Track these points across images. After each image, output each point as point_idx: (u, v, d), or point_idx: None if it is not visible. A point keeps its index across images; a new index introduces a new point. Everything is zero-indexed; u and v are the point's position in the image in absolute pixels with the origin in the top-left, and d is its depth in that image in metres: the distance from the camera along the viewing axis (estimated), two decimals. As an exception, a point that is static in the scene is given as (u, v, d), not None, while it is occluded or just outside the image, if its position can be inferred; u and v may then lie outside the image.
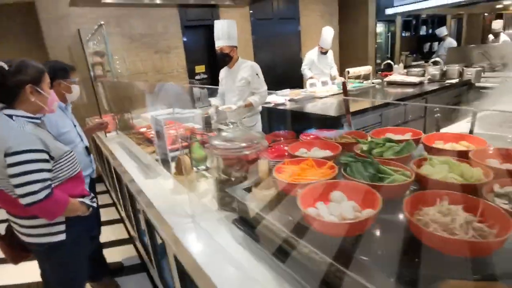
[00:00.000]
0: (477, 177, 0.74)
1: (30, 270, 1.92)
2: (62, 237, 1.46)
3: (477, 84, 4.24)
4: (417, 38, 8.44)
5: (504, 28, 6.48)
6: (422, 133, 1.11)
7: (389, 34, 7.59)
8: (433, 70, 4.37)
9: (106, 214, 3.24)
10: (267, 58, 5.54)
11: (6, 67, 1.24)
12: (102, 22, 2.68)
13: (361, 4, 6.49)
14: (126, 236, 2.92)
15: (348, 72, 4.11)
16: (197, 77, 4.98)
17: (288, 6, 5.77)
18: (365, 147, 1.00)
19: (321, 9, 6.22)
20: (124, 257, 2.60)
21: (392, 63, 5.09)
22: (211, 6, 4.54)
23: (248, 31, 5.34)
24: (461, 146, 1.00)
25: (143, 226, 2.00)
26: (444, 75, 4.33)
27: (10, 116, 1.30)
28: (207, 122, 2.54)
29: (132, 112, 2.89)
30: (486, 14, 8.42)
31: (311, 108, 3.48)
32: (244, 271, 0.92)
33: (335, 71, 4.55)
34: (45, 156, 1.31)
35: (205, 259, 1.01)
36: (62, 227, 1.46)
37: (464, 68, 4.33)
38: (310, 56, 4.43)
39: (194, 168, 1.59)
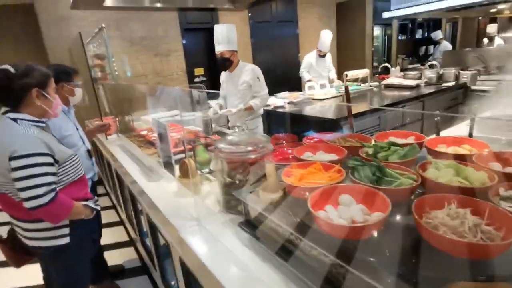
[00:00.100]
0: (482, 181, 0.76)
1: (32, 273, 1.92)
2: (67, 240, 1.46)
3: (473, 87, 4.30)
4: (413, 41, 8.54)
5: (499, 31, 6.58)
6: (425, 137, 1.13)
7: (386, 37, 7.67)
8: (429, 73, 4.42)
9: (106, 217, 3.22)
10: (265, 60, 5.57)
11: (12, 70, 1.24)
12: (103, 25, 2.69)
13: (358, 8, 6.56)
14: (126, 238, 2.91)
15: (346, 75, 4.14)
16: (196, 79, 4.99)
17: (287, 9, 5.81)
18: (370, 151, 1.02)
19: (319, 12, 6.27)
20: (125, 260, 2.60)
21: (389, 66, 5.15)
22: (211, 10, 4.56)
23: (247, 34, 5.37)
24: (464, 150, 1.02)
25: (146, 228, 2.00)
26: (440, 78, 4.39)
27: (15, 120, 1.31)
28: (207, 125, 2.55)
29: (132, 115, 2.89)
30: (480, 18, 8.55)
31: (310, 111, 3.50)
32: (250, 272, 0.93)
33: (333, 74, 4.58)
34: (50, 159, 1.32)
35: (212, 261, 1.02)
36: (66, 230, 1.46)
37: (460, 71, 4.39)
38: (308, 59, 4.46)
39: (198, 171, 1.60)
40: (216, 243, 1.10)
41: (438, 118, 1.66)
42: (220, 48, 2.53)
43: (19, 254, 1.60)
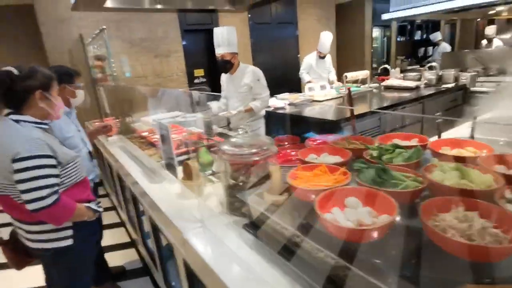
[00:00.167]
0: (488, 183, 0.77)
1: (34, 275, 1.91)
2: (70, 242, 1.46)
3: (472, 89, 4.32)
4: (412, 42, 8.58)
5: (497, 33, 6.61)
6: (428, 139, 1.14)
7: (385, 38, 7.70)
8: (429, 75, 4.44)
9: (106, 218, 3.22)
10: (265, 61, 5.58)
11: (16, 72, 1.24)
12: (104, 27, 2.69)
13: (357, 9, 6.59)
14: (127, 239, 2.90)
15: (346, 76, 4.16)
16: (196, 80, 4.99)
17: (286, 10, 5.83)
18: (374, 153, 1.02)
19: (318, 13, 6.29)
20: (126, 261, 2.59)
21: (388, 67, 5.16)
22: (211, 11, 4.56)
23: (247, 35, 5.38)
24: (468, 152, 1.03)
25: (148, 229, 2.00)
26: (440, 79, 4.41)
27: (17, 121, 1.30)
28: (209, 127, 2.55)
29: (133, 116, 2.89)
30: (478, 19, 8.59)
31: (310, 112, 3.51)
32: (255, 274, 0.93)
33: (333, 76, 4.60)
34: (52, 161, 1.31)
35: (216, 262, 1.02)
36: (70, 232, 1.46)
37: (460, 72, 4.41)
38: (308, 61, 4.47)
39: (201, 173, 1.60)
40: (221, 245, 1.10)
41: (440, 120, 1.66)
42: (220, 50, 2.53)
43: (21, 256, 1.60)
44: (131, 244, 2.83)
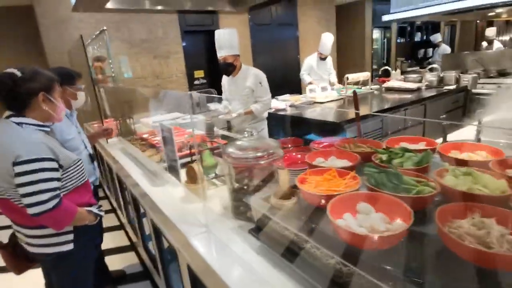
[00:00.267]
0: (502, 189, 0.75)
1: (33, 279, 1.88)
2: (70, 246, 1.43)
3: (473, 91, 4.32)
4: (412, 44, 8.59)
5: (497, 35, 6.63)
6: (437, 143, 1.12)
7: (385, 40, 7.71)
8: (430, 77, 4.44)
9: (105, 221, 3.16)
10: (265, 63, 5.57)
11: (18, 74, 1.22)
12: (104, 28, 2.67)
13: (357, 11, 6.59)
14: (127, 243, 2.87)
15: (348, 78, 4.15)
16: (196, 82, 4.98)
17: (286, 12, 5.83)
18: (384, 157, 1.00)
19: (319, 15, 6.29)
20: (126, 265, 2.56)
21: (389, 69, 5.16)
22: (211, 12, 4.55)
23: (247, 36, 5.37)
24: (477, 156, 1.01)
25: (149, 231, 1.97)
26: (441, 81, 4.40)
27: (19, 124, 1.28)
28: (210, 129, 2.53)
29: (133, 118, 2.86)
30: (478, 21, 8.62)
31: (312, 114, 3.50)
32: (262, 280, 0.92)
33: (334, 77, 4.59)
34: (54, 164, 1.29)
35: (222, 267, 1.00)
36: (71, 237, 1.43)
37: (461, 74, 4.41)
38: (309, 62, 4.46)
39: (204, 176, 1.58)
40: (226, 250, 1.08)
41: (445, 122, 1.65)
42: (222, 53, 2.50)
43: (20, 260, 1.57)
44: (131, 247, 2.81)
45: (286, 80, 5.59)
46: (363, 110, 3.37)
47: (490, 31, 6.10)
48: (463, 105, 4.36)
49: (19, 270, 1.61)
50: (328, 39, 4.24)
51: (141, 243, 2.37)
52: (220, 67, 2.60)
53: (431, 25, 8.68)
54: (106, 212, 3.47)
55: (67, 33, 3.71)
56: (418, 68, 7.03)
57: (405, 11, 5.10)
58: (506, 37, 8.64)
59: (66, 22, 3.71)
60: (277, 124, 3.60)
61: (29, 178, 1.22)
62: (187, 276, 1.32)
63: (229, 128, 2.97)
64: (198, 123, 2.84)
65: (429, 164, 0.96)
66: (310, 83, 4.33)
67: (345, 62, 6.74)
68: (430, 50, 7.77)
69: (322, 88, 4.17)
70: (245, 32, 5.33)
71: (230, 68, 2.56)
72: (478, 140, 1.52)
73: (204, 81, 5.09)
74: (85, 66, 2.45)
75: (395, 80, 4.67)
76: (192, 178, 1.46)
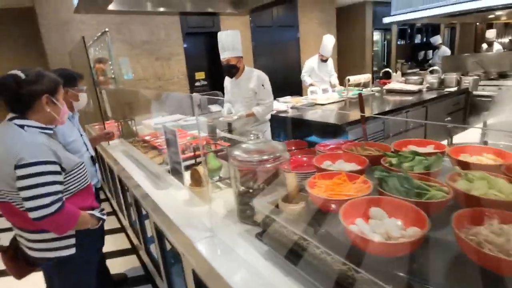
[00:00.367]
0: (518, 194, 0.74)
1: (34, 284, 1.85)
2: (72, 251, 1.41)
3: (474, 93, 4.32)
4: (412, 46, 8.61)
5: (496, 37, 6.64)
6: (446, 146, 1.11)
7: (385, 42, 7.72)
8: (431, 79, 4.44)
9: (106, 223, 3.15)
10: (266, 64, 5.57)
11: (22, 76, 1.20)
12: (106, 29, 2.65)
13: (358, 12, 6.60)
14: (128, 246, 2.85)
15: (349, 80, 4.14)
16: (197, 84, 4.96)
17: (287, 14, 5.83)
18: (394, 161, 0.99)
19: (319, 17, 6.30)
20: (127, 268, 2.54)
21: (390, 71, 5.16)
22: (212, 14, 4.55)
23: (248, 38, 5.36)
24: (488, 159, 1.00)
25: (151, 234, 1.95)
26: (442, 83, 4.40)
27: (22, 126, 1.26)
28: (213, 131, 2.51)
29: (135, 120, 2.85)
30: (478, 23, 8.65)
31: (313, 115, 3.49)
32: (271, 285, 0.90)
33: (335, 79, 4.58)
34: (57, 168, 1.27)
35: (229, 273, 0.98)
36: (72, 241, 1.41)
37: (462, 76, 4.41)
38: (310, 64, 4.45)
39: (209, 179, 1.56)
40: (232, 254, 1.06)
41: (451, 125, 1.64)
42: (226, 55, 2.47)
43: (21, 264, 1.54)
44: (132, 250, 2.78)
45: (286, 82, 5.58)
46: (366, 112, 3.36)
47: (490, 33, 6.12)
48: (464, 107, 4.36)
49: (19, 275, 1.59)
50: (329, 41, 4.23)
51: (142, 246, 2.34)
52: (223, 69, 2.58)
53: (431, 27, 8.70)
54: (107, 214, 3.45)
55: (69, 35, 3.70)
56: (418, 70, 7.04)
57: (405, 13, 5.11)
58: (505, 39, 8.67)
59: (68, 24, 3.70)
60: (279, 126, 3.59)
61: (31, 182, 1.20)
62: (191, 281, 1.30)
63: (230, 130, 2.95)
64: (201, 125, 2.83)
65: (440, 168, 0.94)
66: (311, 84, 4.32)
67: (345, 64, 6.74)
68: (430, 52, 7.78)
69: (323, 90, 4.16)
70: (246, 34, 5.33)
71: (233, 70, 2.54)
72: (485, 143, 1.51)
73: (205, 82, 5.08)
74: (86, 68, 2.43)
75: (396, 82, 4.67)
76: (197, 181, 1.44)
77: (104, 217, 1.56)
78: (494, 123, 1.86)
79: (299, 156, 1.42)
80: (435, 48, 6.85)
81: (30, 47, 3.96)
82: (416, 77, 4.67)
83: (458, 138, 1.95)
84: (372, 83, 4.64)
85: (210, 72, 5.07)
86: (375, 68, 7.21)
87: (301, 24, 6.03)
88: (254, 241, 1.09)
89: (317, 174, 0.95)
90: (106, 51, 2.88)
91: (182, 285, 1.51)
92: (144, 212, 2.07)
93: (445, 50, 6.72)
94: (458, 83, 4.34)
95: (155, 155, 2.14)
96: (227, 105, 2.75)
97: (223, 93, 2.96)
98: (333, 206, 0.82)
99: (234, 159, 1.16)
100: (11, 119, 1.26)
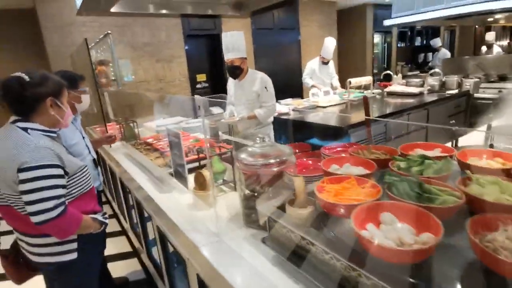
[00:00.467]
0: (531, 199, 0.73)
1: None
2: (74, 255, 1.39)
3: (475, 95, 4.32)
4: (412, 48, 8.62)
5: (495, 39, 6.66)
6: (454, 150, 1.10)
7: (386, 44, 7.74)
8: (432, 81, 4.44)
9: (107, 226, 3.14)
10: (267, 67, 5.56)
11: (26, 78, 1.19)
12: (109, 32, 2.65)
13: (359, 15, 6.62)
14: (129, 249, 2.83)
15: (350, 82, 4.14)
16: (199, 86, 4.96)
17: (288, 16, 5.84)
18: (402, 164, 0.98)
19: (320, 19, 6.31)
20: (129, 272, 2.52)
21: (391, 73, 5.16)
22: (214, 17, 4.55)
23: (249, 40, 5.37)
24: (497, 163, 0.99)
25: (153, 238, 1.93)
26: (443, 85, 4.40)
27: (25, 129, 1.25)
28: (216, 133, 2.49)
29: (136, 122, 2.84)
30: (477, 26, 8.68)
31: (315, 118, 3.48)
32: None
33: (336, 82, 4.58)
34: (60, 171, 1.26)
35: (235, 278, 0.97)
36: (74, 245, 1.39)
37: (463, 79, 4.41)
38: (311, 66, 4.45)
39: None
40: (239, 260, 1.05)
41: (456, 128, 1.63)
42: (229, 56, 2.46)
43: (22, 269, 1.53)
44: (134, 253, 2.76)
45: (287, 84, 5.58)
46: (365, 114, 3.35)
47: (490, 36, 6.14)
48: (465, 109, 4.36)
49: (20, 280, 1.57)
50: (330, 44, 4.24)
51: (144, 249, 2.32)
52: (227, 70, 2.56)
53: (431, 30, 8.72)
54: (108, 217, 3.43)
55: (70, 37, 3.70)
56: (418, 72, 7.05)
57: (406, 16, 5.13)
58: (503, 42, 8.71)
59: (70, 26, 3.70)
60: (280, 128, 3.58)
61: (34, 185, 1.18)
62: (196, 286, 1.28)
63: (231, 132, 2.94)
64: (202, 128, 2.81)
65: (450, 173, 0.93)
66: (313, 86, 4.31)
67: (346, 66, 6.75)
68: (430, 54, 7.80)
69: (324, 92, 4.16)
70: (247, 36, 5.34)
71: (237, 71, 2.52)
72: (491, 146, 1.50)
73: (206, 85, 5.07)
74: (88, 70, 2.43)
75: (397, 85, 4.67)
76: (201, 184, 1.43)
77: (107, 221, 1.54)
78: (498, 125, 1.86)
79: (305, 159, 1.41)
80: (435, 50, 6.87)
81: (31, 49, 3.95)
82: (417, 80, 4.67)
83: (461, 141, 1.94)
84: (373, 85, 4.64)
85: (211, 74, 5.07)
86: (375, 71, 7.22)
87: (302, 27, 6.04)
88: (261, 246, 1.07)
89: (326, 178, 0.94)
90: (108, 53, 2.87)
91: (186, 289, 1.50)
92: (146, 215, 2.06)
93: (445, 53, 6.74)
94: (459, 85, 4.35)
95: (158, 158, 2.12)
96: (230, 107, 2.74)
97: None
98: (342, 210, 0.81)
99: (240, 163, 1.15)
100: (14, 122, 1.25)
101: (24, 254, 1.44)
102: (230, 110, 2.71)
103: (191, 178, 1.57)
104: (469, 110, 4.29)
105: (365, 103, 1.35)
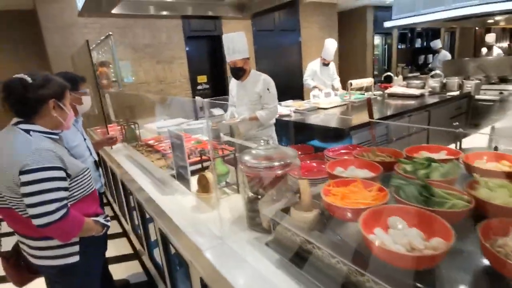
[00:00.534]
0: (541, 203, 0.72)
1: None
2: (76, 258, 1.38)
3: (476, 97, 4.32)
4: (412, 50, 8.63)
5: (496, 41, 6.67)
6: (460, 152, 1.09)
7: (386, 46, 7.74)
8: (433, 83, 4.44)
9: (107, 228, 3.12)
10: (268, 68, 5.56)
11: (29, 79, 1.18)
12: (110, 33, 2.64)
13: (359, 17, 6.62)
14: (130, 251, 2.81)
15: (351, 84, 4.14)
16: (199, 87, 4.95)
17: (289, 18, 5.85)
18: (408, 167, 0.97)
19: (321, 21, 6.31)
20: (130, 274, 2.50)
21: (392, 75, 5.16)
22: (215, 18, 4.55)
23: (250, 41, 5.37)
24: (504, 166, 0.98)
25: (157, 242, 1.92)
26: (444, 87, 4.40)
27: (27, 131, 1.24)
28: (217, 135, 2.48)
29: (138, 123, 2.83)
30: (477, 28, 8.70)
31: (317, 120, 3.47)
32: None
33: (337, 83, 4.57)
34: (62, 174, 1.25)
35: (239, 282, 0.96)
36: (76, 248, 1.38)
37: (464, 80, 4.41)
38: (312, 67, 4.44)
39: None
40: (243, 263, 1.04)
41: (461, 130, 1.62)
42: (232, 58, 2.43)
43: (23, 271, 1.51)
44: (135, 255, 2.75)
45: (288, 85, 5.57)
46: (367, 117, 3.34)
47: (490, 37, 6.14)
48: (466, 111, 4.36)
49: (20, 283, 1.56)
50: (331, 45, 4.23)
51: (146, 251, 2.31)
52: (231, 71, 2.55)
53: (431, 32, 8.74)
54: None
55: (71, 38, 3.69)
56: (419, 74, 7.05)
57: (406, 17, 5.14)
58: (503, 44, 8.73)
59: (70, 27, 3.69)
60: (281, 130, 3.57)
61: (36, 188, 1.17)
62: (199, 289, 1.27)
63: (231, 133, 2.93)
64: (205, 129, 2.80)
65: (457, 176, 0.92)
66: (315, 87, 4.30)
67: (346, 68, 6.75)
68: (430, 56, 7.81)
69: (325, 93, 4.15)
70: (248, 38, 5.32)
71: (240, 73, 2.51)
72: (495, 148, 1.49)
73: (207, 86, 5.07)
74: (90, 71, 2.42)
75: (398, 86, 4.67)
76: (204, 187, 1.42)
77: (109, 223, 1.53)
78: (501, 127, 1.85)
79: (308, 162, 1.40)
80: (435, 52, 6.87)
81: (31, 50, 3.94)
82: (418, 81, 4.66)
83: (464, 143, 1.93)
84: (373, 87, 4.63)
85: (212, 75, 5.06)
86: (375, 72, 7.22)
87: (303, 28, 6.05)
88: (265, 249, 1.06)
89: (332, 181, 0.93)
90: (109, 54, 2.87)
91: (188, 292, 1.48)
92: (147, 217, 2.04)
93: (445, 54, 6.74)
94: (460, 87, 4.34)
95: (159, 159, 2.11)
96: (231, 109, 2.73)
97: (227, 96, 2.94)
98: (349, 214, 0.80)
99: (244, 165, 1.14)
100: (16, 124, 1.24)
101: (25, 256, 1.43)
102: (230, 112, 2.70)
103: (193, 180, 1.56)
104: (471, 112, 4.29)
105: (368, 105, 1.34)
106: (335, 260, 0.82)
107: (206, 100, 1.17)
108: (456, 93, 4.22)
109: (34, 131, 1.24)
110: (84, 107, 1.95)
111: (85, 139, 1.97)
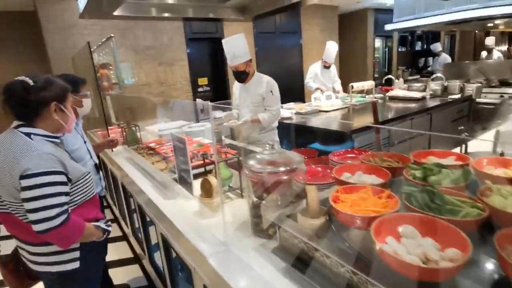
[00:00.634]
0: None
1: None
2: (76, 264, 1.35)
3: (477, 100, 4.31)
4: (412, 53, 8.64)
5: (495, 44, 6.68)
6: (469, 158, 1.07)
7: (386, 49, 7.75)
8: (434, 86, 4.43)
9: (107, 231, 3.09)
10: (269, 70, 5.51)
11: (31, 82, 1.16)
12: (112, 35, 2.63)
13: (360, 20, 6.63)
14: (130, 255, 2.78)
15: (352, 86, 4.13)
16: (200, 89, 4.93)
17: (290, 20, 5.85)
18: (418, 173, 0.95)
19: (322, 23, 6.32)
20: (130, 278, 2.47)
21: (392, 77, 5.16)
22: (216, 20, 4.54)
23: (251, 44, 5.37)
24: (514, 172, 0.96)
25: (159, 247, 1.89)
26: (445, 90, 4.39)
27: (28, 135, 1.22)
28: (219, 138, 2.46)
29: (139, 126, 2.81)
30: (477, 31, 8.73)
31: (318, 122, 3.45)
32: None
33: (338, 86, 4.56)
34: (63, 178, 1.22)
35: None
36: (77, 254, 1.36)
37: (465, 83, 4.41)
38: (313, 69, 4.44)
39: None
40: (249, 271, 1.01)
41: (466, 133, 1.60)
42: (233, 62, 2.39)
43: (22, 277, 1.49)
44: (135, 259, 2.71)
45: (289, 88, 5.56)
46: (370, 120, 3.33)
47: (490, 40, 6.15)
48: (467, 114, 4.35)
49: (20, 290, 1.53)
50: (332, 48, 4.23)
51: (146, 255, 2.28)
52: (234, 75, 2.52)
53: (431, 35, 8.75)
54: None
55: (72, 39, 3.67)
56: (419, 76, 7.05)
57: (407, 20, 5.14)
58: (502, 47, 8.76)
59: (71, 28, 3.67)
60: (283, 132, 3.55)
61: (36, 193, 1.15)
62: (203, 296, 1.24)
63: (232, 136, 2.90)
64: (206, 132, 2.78)
65: (468, 183, 0.91)
66: (318, 88, 4.28)
67: (347, 71, 6.75)
68: (430, 59, 7.82)
69: (326, 96, 4.14)
70: (249, 40, 5.33)
71: (243, 76, 2.48)
72: (502, 154, 1.47)
73: (208, 88, 5.05)
74: (91, 73, 2.40)
75: (399, 89, 4.66)
76: (207, 191, 1.39)
77: (110, 228, 1.50)
78: (505, 131, 1.83)
79: (313, 166, 1.38)
80: (435, 55, 6.88)
81: (31, 51, 3.92)
82: (419, 84, 4.65)
83: (472, 147, 1.91)
84: (374, 90, 4.62)
85: (213, 77, 5.05)
86: (376, 75, 7.22)
87: (304, 31, 6.05)
88: (271, 256, 1.04)
89: (340, 188, 0.91)
90: (111, 56, 2.85)
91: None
92: (148, 219, 2.02)
93: (446, 57, 6.75)
94: (462, 90, 4.34)
95: (161, 163, 2.09)
96: (234, 110, 2.71)
97: (222, 99, 2.92)
98: (359, 222, 0.78)
99: (249, 170, 1.12)
100: (16, 127, 1.22)
101: (24, 262, 1.40)
102: (228, 112, 2.67)
103: (196, 184, 1.54)
104: (472, 115, 4.28)
105: (374, 109, 1.32)
106: (345, 269, 0.80)
107: (211, 104, 1.15)
108: (458, 96, 4.21)
109: (35, 134, 1.22)
110: (84, 110, 1.92)
111: (85, 142, 1.94)
